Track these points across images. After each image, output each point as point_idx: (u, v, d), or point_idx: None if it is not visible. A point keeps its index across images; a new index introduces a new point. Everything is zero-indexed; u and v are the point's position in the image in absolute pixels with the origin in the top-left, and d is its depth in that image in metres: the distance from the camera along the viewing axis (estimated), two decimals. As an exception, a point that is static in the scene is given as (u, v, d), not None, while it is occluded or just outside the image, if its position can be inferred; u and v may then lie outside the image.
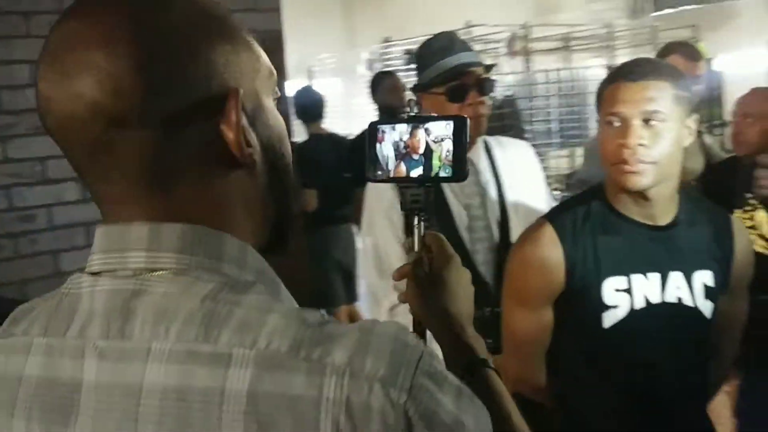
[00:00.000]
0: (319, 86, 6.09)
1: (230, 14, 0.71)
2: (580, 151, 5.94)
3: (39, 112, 0.67)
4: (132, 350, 0.64)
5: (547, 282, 1.58)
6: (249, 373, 0.59)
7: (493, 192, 2.03)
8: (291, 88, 4.30)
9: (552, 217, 1.63)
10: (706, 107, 6.62)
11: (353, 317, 4.40)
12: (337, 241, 4.40)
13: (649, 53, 5.89)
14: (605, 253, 1.56)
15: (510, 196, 2.03)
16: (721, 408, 2.69)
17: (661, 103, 1.47)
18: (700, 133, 3.06)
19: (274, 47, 3.07)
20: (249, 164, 0.69)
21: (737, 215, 2.41)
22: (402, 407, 0.59)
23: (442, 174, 1.01)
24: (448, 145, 1.00)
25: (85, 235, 2.69)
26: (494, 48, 6.46)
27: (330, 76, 8.32)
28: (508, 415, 0.83)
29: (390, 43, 7.43)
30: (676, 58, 2.81)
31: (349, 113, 7.27)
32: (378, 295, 1.98)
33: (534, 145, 2.70)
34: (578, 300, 1.56)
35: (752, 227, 2.48)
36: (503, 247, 1.95)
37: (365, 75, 7.71)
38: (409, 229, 1.06)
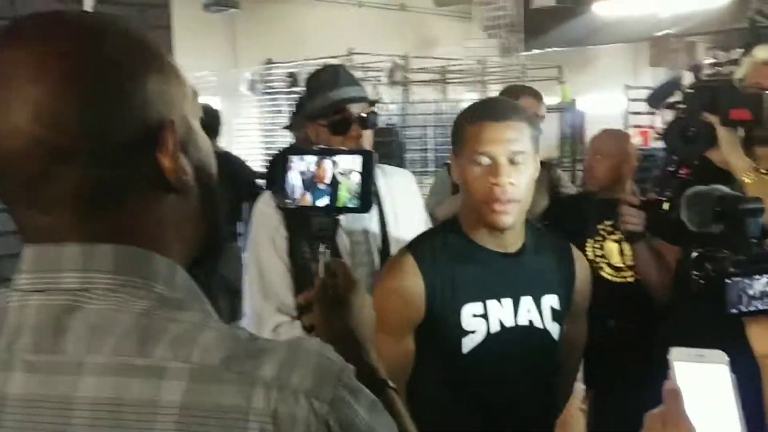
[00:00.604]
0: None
1: (157, 43, 0.72)
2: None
3: None
4: (64, 364, 0.64)
5: (409, 310, 1.62)
6: (183, 386, 0.62)
7: (375, 219, 2.08)
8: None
9: (413, 247, 1.68)
10: (569, 144, 7.05)
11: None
12: (223, 258, 4.39)
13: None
14: (462, 280, 1.62)
15: (391, 223, 2.09)
16: (575, 423, 2.91)
17: (523, 143, 1.57)
18: (550, 167, 3.27)
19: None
20: (183, 189, 0.71)
21: (589, 245, 2.60)
22: (324, 417, 0.64)
23: (349, 205, 1.06)
24: (355, 177, 1.05)
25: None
26: (375, 76, 6.64)
27: (210, 95, 8.25)
28: None
29: (272, 65, 7.49)
30: (527, 99, 2.95)
31: (229, 132, 7.26)
32: (262, 315, 2.02)
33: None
34: (438, 327, 1.62)
35: (602, 256, 2.66)
36: (383, 273, 2.04)
37: (247, 95, 7.72)
38: (313, 256, 1.11)
